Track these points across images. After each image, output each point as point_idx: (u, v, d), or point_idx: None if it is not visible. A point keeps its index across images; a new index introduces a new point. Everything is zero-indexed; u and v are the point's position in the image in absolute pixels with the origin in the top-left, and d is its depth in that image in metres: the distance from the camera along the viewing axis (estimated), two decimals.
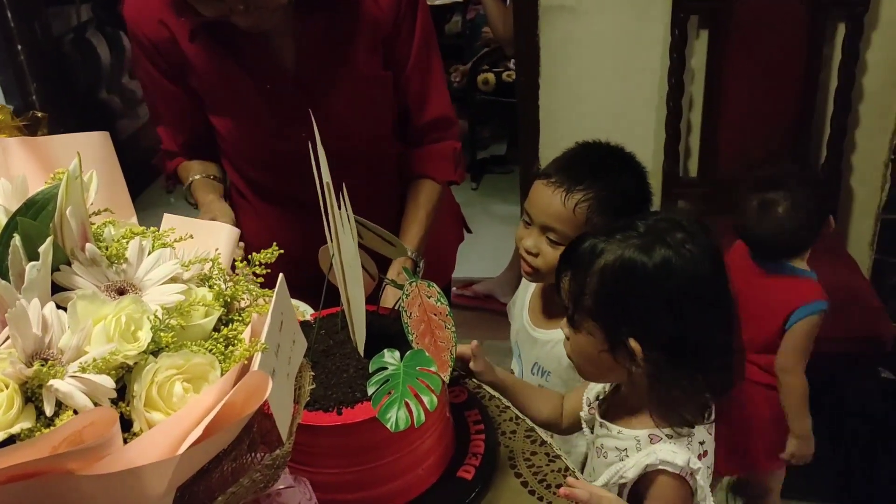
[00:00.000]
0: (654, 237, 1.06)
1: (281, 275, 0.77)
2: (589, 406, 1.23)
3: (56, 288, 0.71)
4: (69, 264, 0.72)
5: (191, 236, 0.81)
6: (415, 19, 1.39)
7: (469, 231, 1.79)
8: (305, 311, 1.43)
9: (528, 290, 1.53)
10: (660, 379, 1.05)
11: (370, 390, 0.96)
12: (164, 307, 0.71)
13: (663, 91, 2.27)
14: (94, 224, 0.80)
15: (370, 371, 0.99)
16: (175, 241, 0.80)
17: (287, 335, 0.77)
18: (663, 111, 2.29)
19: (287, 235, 1.42)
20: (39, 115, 1.73)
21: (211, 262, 0.78)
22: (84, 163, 0.85)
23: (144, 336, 0.66)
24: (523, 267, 1.39)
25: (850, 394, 2.03)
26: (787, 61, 2.20)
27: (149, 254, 0.76)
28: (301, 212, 1.34)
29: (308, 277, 1.18)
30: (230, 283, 0.79)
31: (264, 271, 0.79)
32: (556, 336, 1.43)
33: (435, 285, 1.09)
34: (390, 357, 0.99)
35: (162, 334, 0.67)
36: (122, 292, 0.73)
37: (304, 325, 1.22)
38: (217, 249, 0.80)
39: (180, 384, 0.66)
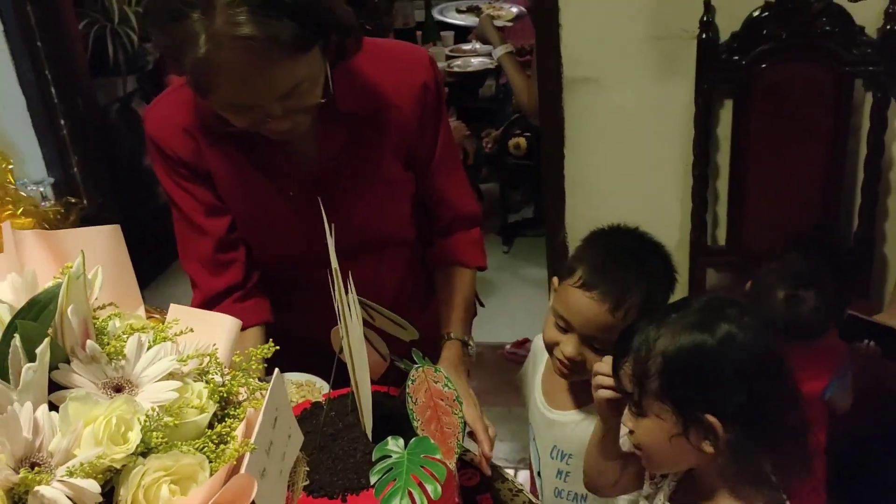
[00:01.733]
0: (711, 313, 1.06)
1: (277, 370, 0.78)
2: (652, 480, 1.20)
3: (55, 385, 0.73)
4: (69, 362, 0.74)
5: (191, 330, 0.83)
6: (439, 121, 1.40)
7: (482, 304, 1.77)
8: (322, 386, 1.44)
9: (537, 369, 1.51)
10: (738, 456, 1.04)
11: (373, 479, 0.95)
12: (158, 405, 0.72)
13: (689, 160, 2.26)
14: (98, 318, 0.82)
15: (373, 459, 0.98)
16: (175, 334, 0.82)
17: (282, 431, 0.78)
18: (689, 180, 2.28)
19: (307, 316, 1.43)
20: (73, 200, 1.79)
21: (209, 357, 0.80)
22: (94, 256, 0.87)
23: (134, 437, 0.67)
24: (558, 368, 1.36)
25: (889, 475, 1.96)
26: (814, 129, 2.18)
27: (148, 349, 0.77)
28: (322, 294, 1.33)
29: (330, 356, 1.18)
30: (227, 378, 0.80)
31: (261, 366, 0.80)
32: (574, 417, 1.41)
33: (442, 370, 1.09)
34: (394, 445, 0.99)
35: (153, 435, 0.68)
36: (119, 389, 0.74)
37: (316, 406, 1.23)
38: (214, 344, 0.81)
39: (167, 486, 0.66)
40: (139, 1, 4.11)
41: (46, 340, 0.70)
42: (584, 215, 2.42)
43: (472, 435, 1.29)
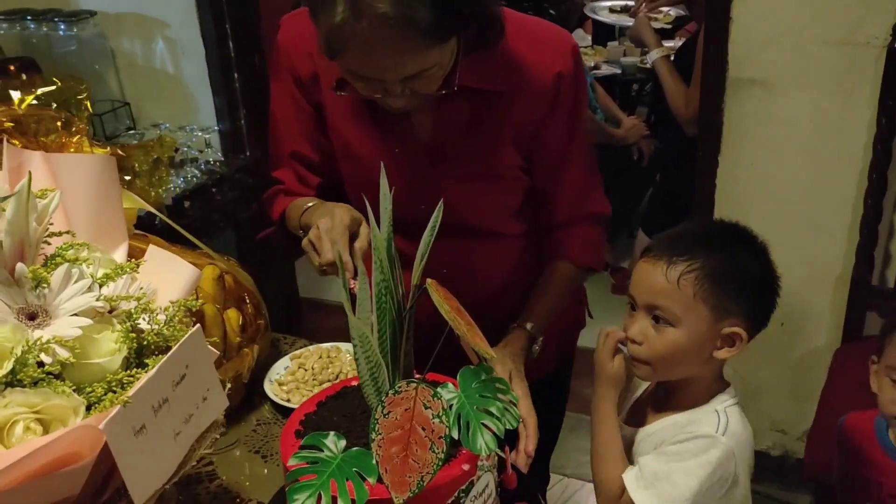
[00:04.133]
0: None
1: (198, 325, 0.73)
2: None
3: None
4: None
5: (135, 269, 0.79)
6: (571, 116, 1.28)
7: (591, 316, 1.63)
8: (349, 351, 1.38)
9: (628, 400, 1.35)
10: None
11: (291, 461, 0.86)
12: (58, 340, 0.69)
13: (862, 185, 1.97)
14: (49, 244, 0.80)
15: (302, 443, 0.89)
16: (121, 273, 0.79)
17: (191, 391, 0.73)
18: (860, 209, 1.99)
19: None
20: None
21: (137, 300, 0.76)
22: (84, 183, 0.87)
23: (6, 367, 0.64)
24: (632, 363, 1.21)
25: None
26: None
27: (76, 282, 0.75)
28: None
29: None
30: (157, 326, 0.76)
31: (187, 319, 0.75)
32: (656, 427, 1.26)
33: (443, 396, 0.93)
34: (332, 442, 0.89)
35: (26, 369, 0.65)
36: (33, 317, 0.72)
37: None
38: (142, 288, 0.77)
39: (24, 424, 0.63)
40: None
41: None
42: None
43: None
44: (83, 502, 0.66)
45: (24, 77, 2.49)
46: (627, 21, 3.55)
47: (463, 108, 1.24)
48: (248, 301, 1.41)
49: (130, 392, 0.65)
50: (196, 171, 2.61)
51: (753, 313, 1.17)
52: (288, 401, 1.33)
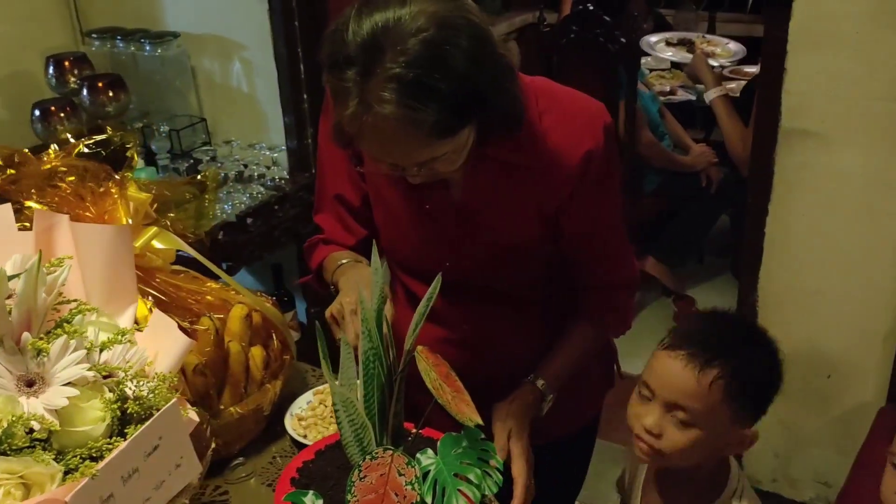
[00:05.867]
0: None
1: (174, 400, 0.80)
2: None
3: None
4: None
5: (130, 341, 0.87)
6: (599, 195, 1.28)
7: (621, 377, 1.60)
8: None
9: (635, 481, 1.37)
10: None
11: None
12: (48, 408, 0.77)
13: None
14: (58, 311, 0.89)
15: (284, 498, 0.96)
16: (120, 341, 0.87)
17: (164, 459, 0.80)
18: None
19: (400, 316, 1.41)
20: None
21: (124, 372, 0.83)
22: (100, 250, 0.95)
23: None
24: (639, 446, 1.23)
25: None
26: None
27: (73, 352, 0.83)
28: (413, 304, 1.29)
29: None
30: (143, 393, 0.83)
31: (169, 391, 0.82)
32: None
33: (418, 465, 0.99)
34: (310, 501, 0.95)
35: (13, 440, 0.73)
36: (31, 384, 0.81)
37: None
38: (127, 361, 0.84)
39: (4, 489, 0.71)
40: None
41: None
42: (780, 279, 2.16)
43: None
44: None
45: (111, 94, 2.71)
46: (686, 56, 3.46)
47: (492, 174, 1.25)
48: (275, 337, 1.49)
49: (100, 465, 0.72)
50: (261, 188, 2.73)
51: (761, 413, 1.22)
52: (305, 437, 1.40)
